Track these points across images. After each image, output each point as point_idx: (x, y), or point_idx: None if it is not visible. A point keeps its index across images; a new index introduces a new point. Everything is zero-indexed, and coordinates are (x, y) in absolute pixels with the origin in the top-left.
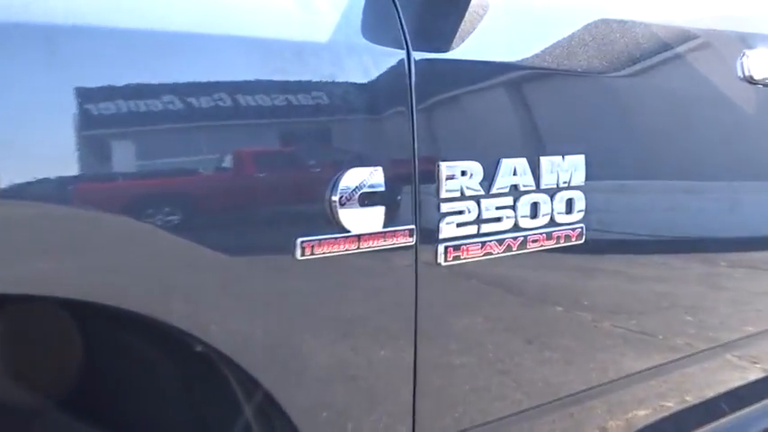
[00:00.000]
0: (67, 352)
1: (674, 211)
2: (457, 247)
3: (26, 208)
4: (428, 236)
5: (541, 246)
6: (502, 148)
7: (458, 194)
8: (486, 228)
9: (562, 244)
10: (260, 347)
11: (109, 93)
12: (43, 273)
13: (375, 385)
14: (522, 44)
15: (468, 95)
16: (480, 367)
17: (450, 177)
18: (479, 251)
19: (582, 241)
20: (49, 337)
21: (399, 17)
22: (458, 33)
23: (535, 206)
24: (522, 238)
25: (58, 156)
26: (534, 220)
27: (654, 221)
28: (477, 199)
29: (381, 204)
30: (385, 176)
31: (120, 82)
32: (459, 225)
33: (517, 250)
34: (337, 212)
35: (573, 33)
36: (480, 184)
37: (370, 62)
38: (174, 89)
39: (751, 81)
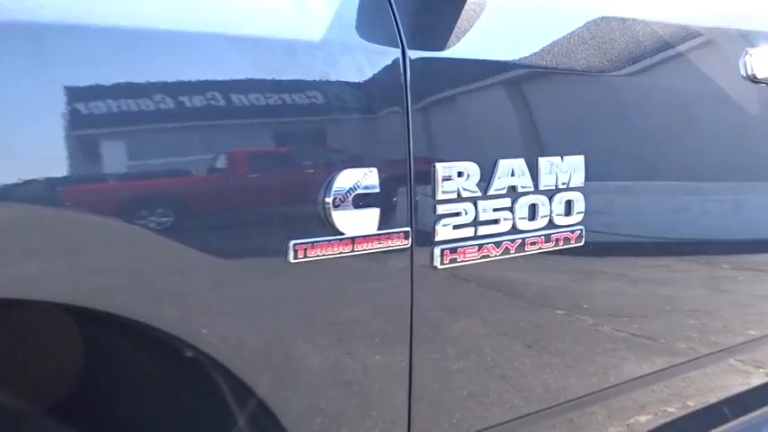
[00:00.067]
0: (54, 356)
1: (675, 212)
2: (453, 250)
3: (12, 210)
4: (424, 238)
5: (540, 248)
6: (499, 149)
7: (454, 196)
8: (483, 230)
9: (561, 246)
10: (252, 352)
11: (98, 92)
12: (29, 276)
13: (370, 391)
14: (520, 43)
15: (464, 95)
16: (478, 372)
17: (447, 179)
18: (476, 254)
19: (581, 244)
20: (35, 340)
21: (394, 15)
22: (454, 31)
23: (533, 208)
24: (520, 241)
25: (44, 156)
26: (533, 222)
27: (655, 223)
28: (473, 201)
29: (376, 206)
30: (380, 178)
31: (110, 81)
32: (455, 227)
33: (515, 253)
34: (331, 214)
35: (572, 31)
36: (477, 185)
37: (364, 61)
38: (164, 89)
39: (754, 80)
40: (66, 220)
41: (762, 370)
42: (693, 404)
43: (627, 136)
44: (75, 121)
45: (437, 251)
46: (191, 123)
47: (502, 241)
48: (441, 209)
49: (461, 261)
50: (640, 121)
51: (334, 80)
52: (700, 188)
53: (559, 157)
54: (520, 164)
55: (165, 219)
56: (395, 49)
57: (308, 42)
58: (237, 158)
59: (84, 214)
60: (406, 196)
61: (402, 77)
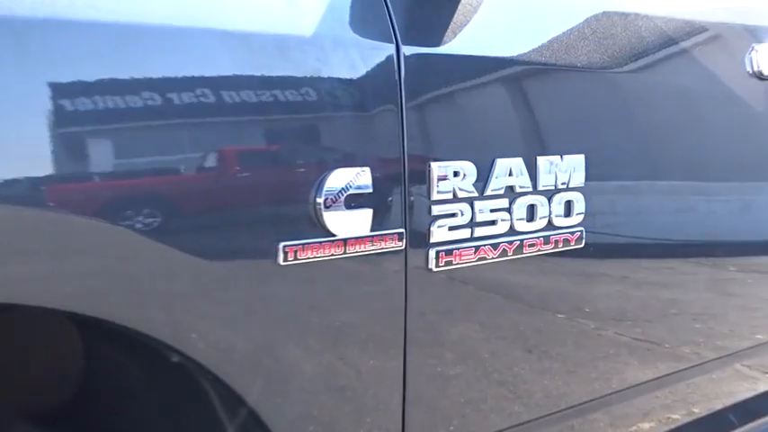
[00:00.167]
0: (38, 361)
1: (680, 213)
2: (449, 252)
3: None
4: (418, 240)
5: (539, 250)
6: (497, 148)
7: (450, 196)
8: (479, 231)
9: (561, 248)
10: (241, 358)
11: (81, 90)
12: (10, 279)
13: (363, 397)
14: (519, 38)
15: (460, 92)
16: (476, 378)
17: (442, 178)
18: (473, 256)
19: (582, 245)
20: (18, 346)
21: (388, 9)
22: (450, 27)
23: (532, 209)
24: (518, 243)
25: (25, 155)
26: (531, 224)
27: (659, 224)
28: (470, 201)
29: (369, 207)
30: (373, 177)
31: (96, 78)
32: (451, 228)
33: (513, 255)
34: (322, 215)
35: (572, 26)
36: (474, 185)
37: (357, 57)
38: (150, 86)
39: (760, 77)
40: (49, 221)
41: None
42: (699, 411)
43: (628, 134)
44: (57, 119)
45: (432, 253)
46: (177, 121)
47: (499, 243)
48: (436, 209)
49: (457, 263)
50: (642, 119)
51: (325, 77)
52: (705, 188)
53: (559, 157)
54: (518, 163)
55: (151, 219)
56: (389, 45)
57: (300, 38)
58: (226, 157)
59: (67, 215)
60: (400, 196)
61: (396, 74)
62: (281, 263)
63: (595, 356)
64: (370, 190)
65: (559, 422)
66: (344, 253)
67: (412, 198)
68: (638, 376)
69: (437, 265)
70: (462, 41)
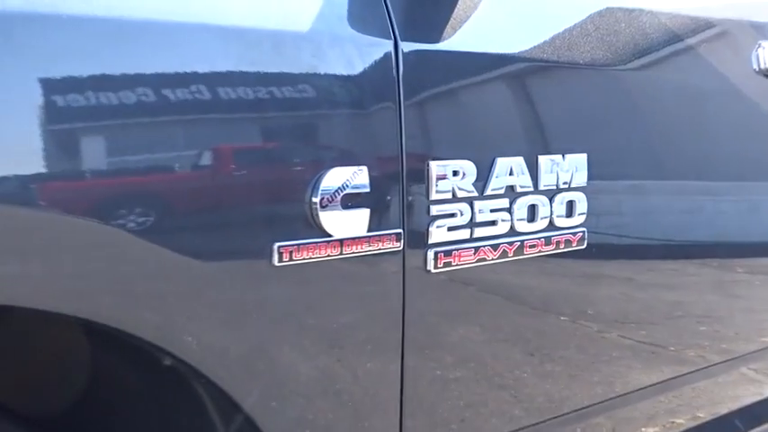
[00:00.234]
0: (25, 364)
1: (685, 213)
2: (448, 253)
3: None
4: (417, 241)
5: (540, 251)
6: (497, 147)
7: (449, 196)
8: (479, 232)
9: (562, 249)
10: (235, 361)
11: (72, 86)
12: None
13: (360, 401)
14: (520, 34)
15: (460, 89)
16: (476, 381)
17: (441, 177)
18: (472, 257)
19: (584, 246)
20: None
21: (386, 4)
22: (450, 23)
23: (533, 209)
24: (518, 244)
25: (13, 153)
26: (532, 224)
27: (663, 225)
28: (470, 201)
29: (366, 207)
30: (370, 176)
31: (86, 74)
32: (450, 229)
33: (513, 256)
34: (318, 215)
35: (575, 23)
36: (474, 184)
37: (354, 53)
38: (143, 82)
39: (767, 74)
40: (36, 221)
41: None
42: (703, 415)
43: (632, 133)
44: (46, 117)
45: (431, 254)
46: (171, 118)
47: (499, 244)
48: (435, 209)
49: (456, 265)
50: (646, 118)
51: (322, 73)
52: (710, 187)
53: (561, 156)
54: (519, 162)
55: (143, 219)
56: (387, 41)
57: (296, 34)
58: (220, 156)
59: (55, 214)
60: (397, 196)
61: (394, 71)
62: (276, 264)
63: (598, 360)
64: (368, 189)
65: (561, 427)
66: (341, 254)
67: (410, 198)
68: (641, 380)
69: (436, 267)
70: (462, 37)
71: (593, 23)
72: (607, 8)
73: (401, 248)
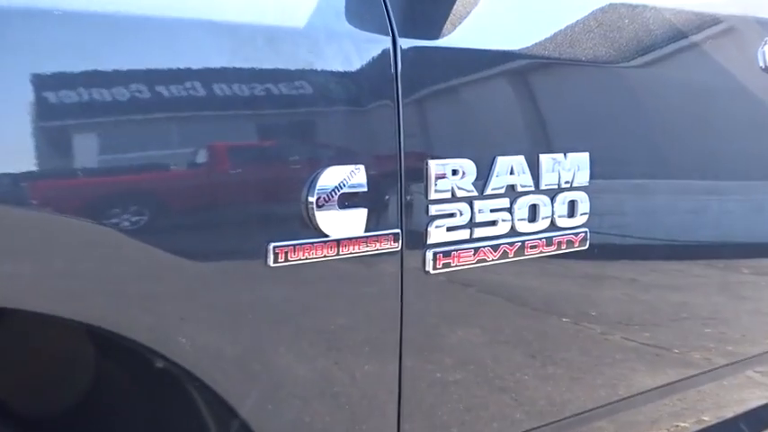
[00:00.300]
0: (24, 365)
1: (689, 213)
2: (447, 254)
3: None
4: (415, 241)
5: (541, 252)
6: (497, 145)
7: (448, 195)
8: (479, 232)
9: (564, 250)
10: (229, 363)
11: (64, 82)
12: None
13: (358, 403)
14: (521, 31)
15: (460, 87)
16: (476, 384)
17: (440, 177)
18: (472, 258)
19: (585, 247)
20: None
21: (384, 0)
22: (449, 19)
23: (534, 209)
24: (519, 244)
25: (4, 151)
26: (533, 224)
27: (667, 224)
28: (469, 201)
29: (363, 206)
30: (368, 175)
31: (77, 70)
32: (449, 229)
33: (514, 257)
34: (314, 215)
35: (576, 19)
36: (473, 184)
37: (351, 50)
38: (136, 78)
39: None
40: (28, 221)
41: None
42: (708, 419)
43: (635, 131)
44: (38, 114)
45: (429, 255)
46: (164, 116)
47: (500, 244)
48: (434, 209)
49: (456, 265)
50: (650, 116)
51: (319, 70)
52: (715, 187)
53: (562, 154)
54: (519, 161)
55: (136, 218)
56: (385, 38)
57: (292, 29)
58: (214, 154)
59: (46, 214)
60: (396, 196)
61: (392, 68)
62: (271, 264)
63: (601, 362)
64: (365, 189)
65: (563, 430)
66: (338, 254)
67: (409, 197)
68: (645, 383)
69: (435, 267)
70: (462, 34)
71: (595, 19)
72: (610, 4)
73: (399, 249)
